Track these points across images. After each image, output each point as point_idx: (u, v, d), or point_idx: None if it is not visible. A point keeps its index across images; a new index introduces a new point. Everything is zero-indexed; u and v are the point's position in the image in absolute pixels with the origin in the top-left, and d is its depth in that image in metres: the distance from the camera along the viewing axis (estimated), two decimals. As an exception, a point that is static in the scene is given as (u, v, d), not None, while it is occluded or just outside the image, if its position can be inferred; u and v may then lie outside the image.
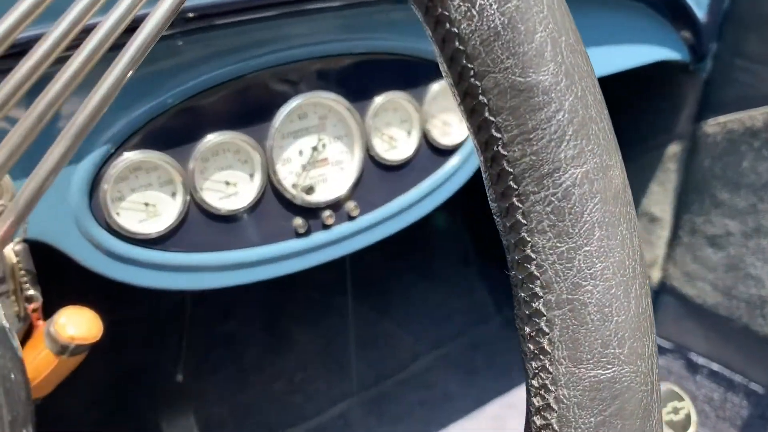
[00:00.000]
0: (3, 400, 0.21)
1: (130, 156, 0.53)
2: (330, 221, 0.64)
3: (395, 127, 0.68)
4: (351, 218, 0.66)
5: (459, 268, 1.34)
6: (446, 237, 1.35)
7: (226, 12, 0.52)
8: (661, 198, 1.09)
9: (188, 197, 0.57)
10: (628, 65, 0.87)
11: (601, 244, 0.21)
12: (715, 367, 1.10)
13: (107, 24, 0.22)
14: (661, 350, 1.17)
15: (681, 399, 0.46)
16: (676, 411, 0.45)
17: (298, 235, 0.64)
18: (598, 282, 0.21)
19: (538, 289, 0.21)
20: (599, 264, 0.21)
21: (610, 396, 0.21)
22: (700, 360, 1.12)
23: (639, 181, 1.10)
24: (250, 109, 0.58)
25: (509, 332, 1.32)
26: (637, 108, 1.07)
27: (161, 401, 1.10)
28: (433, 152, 0.70)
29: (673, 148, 1.05)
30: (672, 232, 1.10)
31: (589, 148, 0.21)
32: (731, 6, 0.93)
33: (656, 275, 1.14)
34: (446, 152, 0.71)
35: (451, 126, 0.70)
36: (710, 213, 1.04)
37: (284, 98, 0.60)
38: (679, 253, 1.10)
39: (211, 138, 0.56)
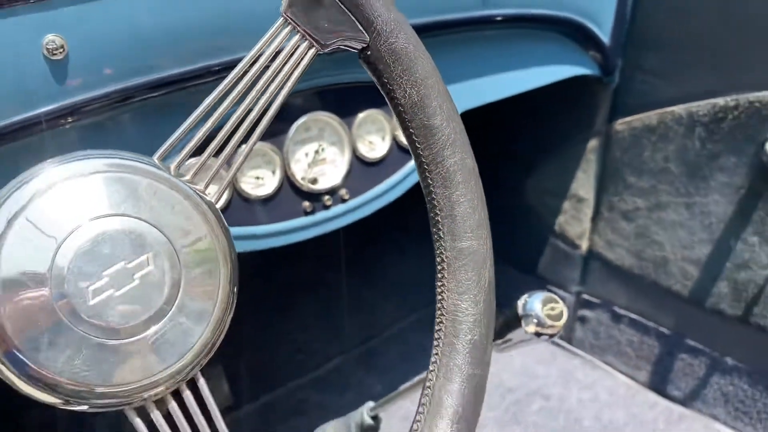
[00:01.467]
0: (230, 271, 0.42)
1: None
2: (329, 203, 0.88)
3: (373, 135, 0.91)
4: (343, 201, 0.90)
5: (428, 245, 1.58)
6: (416, 219, 1.59)
7: None
8: (584, 183, 1.34)
9: (232, 188, 0.80)
10: (552, 80, 1.11)
11: (463, 191, 0.44)
12: (633, 316, 1.35)
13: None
14: (591, 304, 1.42)
15: (557, 301, 0.69)
16: (552, 309, 0.68)
17: (306, 214, 0.87)
18: (462, 201, 0.44)
19: (435, 206, 0.45)
20: (463, 198, 0.44)
21: (469, 254, 0.44)
22: (621, 311, 1.37)
23: (567, 169, 1.35)
24: (274, 125, 0.81)
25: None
26: (564, 112, 1.32)
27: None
28: (401, 152, 0.94)
29: (593, 143, 1.30)
30: (594, 209, 1.34)
31: (458, 149, 0.45)
32: (630, 32, 1.18)
33: (585, 245, 1.38)
34: (409, 152, 0.95)
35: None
36: (622, 193, 1.29)
37: (295, 116, 0.83)
38: (601, 226, 1.35)
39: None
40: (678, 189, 1.20)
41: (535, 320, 0.68)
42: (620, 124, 1.25)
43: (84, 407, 0.37)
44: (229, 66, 0.67)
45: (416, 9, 0.86)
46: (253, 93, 0.43)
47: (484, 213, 0.45)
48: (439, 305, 0.45)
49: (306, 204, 0.86)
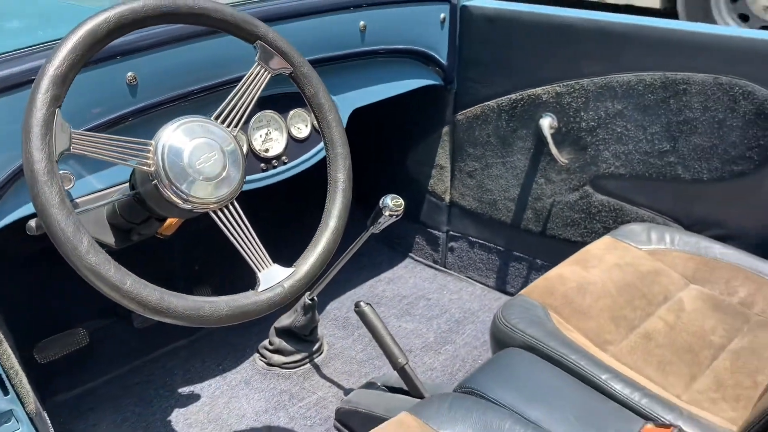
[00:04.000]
0: (243, 161, 0.95)
1: None
2: (276, 164, 1.42)
3: (300, 123, 1.46)
4: (284, 163, 1.44)
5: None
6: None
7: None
8: (443, 156, 1.93)
9: None
10: (411, 88, 1.69)
11: (341, 150, 1.00)
12: (482, 242, 1.95)
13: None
14: (455, 238, 2.01)
15: (398, 198, 1.27)
16: (396, 202, 1.26)
17: (262, 171, 1.41)
18: (340, 152, 1.00)
19: (330, 155, 1.01)
20: (340, 149, 1.00)
21: (344, 171, 1.01)
22: (474, 240, 1.97)
23: (432, 148, 1.93)
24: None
25: (374, 242, 2.12)
26: (426, 110, 1.90)
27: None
28: (317, 133, 1.49)
29: (445, 129, 1.89)
30: (451, 173, 1.94)
31: (338, 127, 1.00)
32: (460, 56, 1.78)
33: (447, 197, 1.97)
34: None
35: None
36: (466, 160, 1.89)
37: (253, 113, 1.37)
38: (456, 183, 1.94)
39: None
40: (497, 153, 1.80)
41: (388, 209, 1.26)
42: (460, 115, 1.85)
43: (199, 211, 0.90)
44: (219, 85, 1.22)
45: (319, 48, 1.42)
46: (246, 91, 0.98)
47: (349, 157, 1.01)
48: (329, 187, 1.01)
49: (262, 165, 1.40)
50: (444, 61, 1.74)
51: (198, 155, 0.88)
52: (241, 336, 1.75)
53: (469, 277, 2.02)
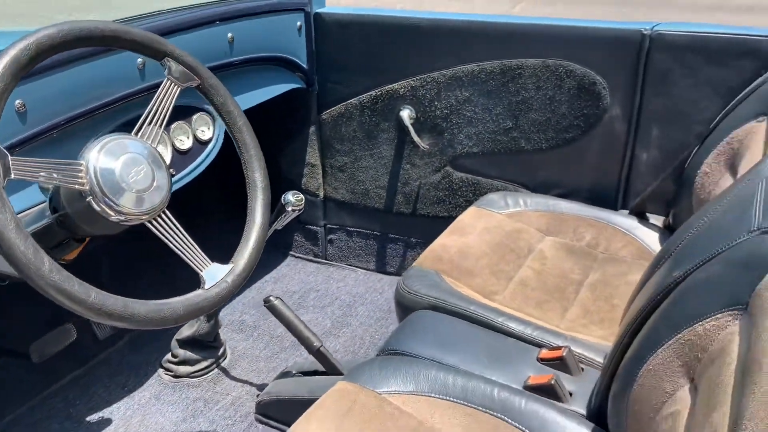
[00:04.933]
0: (167, 169, 0.98)
1: None
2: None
3: (183, 135, 1.48)
4: (172, 176, 1.46)
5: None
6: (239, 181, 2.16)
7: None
8: (313, 154, 2.03)
9: None
10: (279, 92, 1.77)
11: (254, 152, 1.07)
12: (359, 230, 2.08)
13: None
14: (333, 230, 2.12)
15: (299, 193, 1.38)
16: (297, 197, 1.37)
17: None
18: (253, 154, 1.07)
19: (244, 157, 1.07)
20: (253, 150, 1.07)
21: (260, 169, 1.09)
22: (351, 229, 2.10)
23: (302, 147, 2.03)
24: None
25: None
26: (296, 112, 1.99)
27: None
28: (199, 144, 1.53)
29: (312, 128, 1.99)
30: (322, 170, 2.05)
31: (248, 129, 1.07)
32: (318, 61, 1.89)
33: (321, 193, 2.08)
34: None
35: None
36: (335, 156, 2.01)
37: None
38: (328, 179, 2.06)
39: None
40: (364, 146, 1.94)
41: (291, 205, 1.35)
42: (325, 115, 1.96)
43: (131, 222, 0.92)
44: (109, 103, 1.23)
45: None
46: (160, 106, 1.02)
47: (263, 158, 1.08)
48: (249, 187, 1.08)
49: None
50: (305, 65, 1.85)
51: (128, 170, 0.91)
52: (139, 354, 1.73)
53: (351, 265, 2.14)
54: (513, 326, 1.23)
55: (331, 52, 1.87)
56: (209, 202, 2.09)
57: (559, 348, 1.13)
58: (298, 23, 1.78)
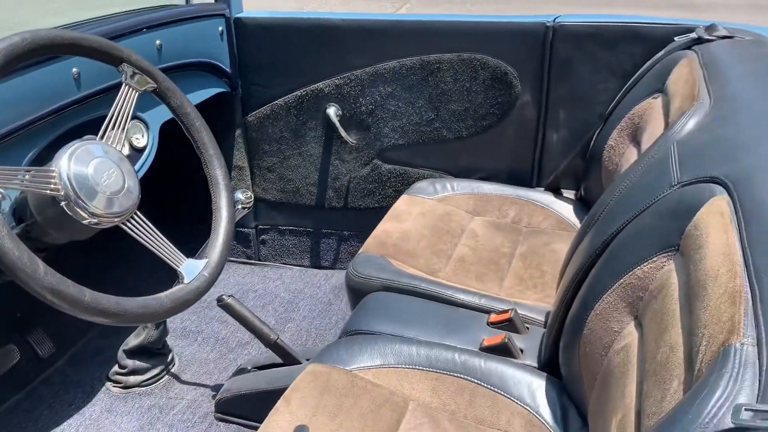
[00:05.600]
0: (131, 168, 0.99)
1: None
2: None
3: (118, 144, 1.47)
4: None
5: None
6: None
7: None
8: (240, 157, 2.05)
9: None
10: (208, 96, 1.78)
11: (213, 151, 1.10)
12: (291, 228, 2.12)
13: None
14: (265, 231, 2.15)
15: (247, 191, 1.41)
16: (246, 195, 1.40)
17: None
18: (212, 153, 1.10)
19: (204, 157, 1.10)
20: (212, 150, 1.10)
21: (220, 167, 1.12)
22: (283, 228, 2.13)
23: (229, 151, 2.04)
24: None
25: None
26: (222, 116, 2.00)
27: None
28: (136, 152, 1.52)
29: (238, 132, 2.01)
30: (250, 171, 2.07)
31: (206, 129, 1.10)
32: (240, 64, 1.92)
33: (251, 194, 2.10)
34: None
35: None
36: (263, 157, 2.04)
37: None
38: (257, 181, 2.08)
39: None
40: (292, 146, 1.99)
41: (241, 203, 1.38)
42: (251, 117, 1.99)
43: (104, 225, 0.93)
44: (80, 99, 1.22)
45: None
46: (120, 111, 1.03)
47: (221, 156, 1.12)
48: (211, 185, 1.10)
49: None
50: (228, 70, 1.86)
51: (100, 174, 0.92)
52: (82, 371, 1.69)
53: (286, 263, 2.18)
54: (461, 297, 1.33)
55: (253, 55, 1.89)
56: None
57: (506, 311, 1.24)
58: (220, 28, 1.80)
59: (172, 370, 1.69)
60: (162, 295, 0.92)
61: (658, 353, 0.70)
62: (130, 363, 1.61)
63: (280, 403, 1.07)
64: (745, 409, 0.43)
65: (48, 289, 0.76)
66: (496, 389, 1.09)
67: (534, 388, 1.09)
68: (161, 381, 1.65)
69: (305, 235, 2.12)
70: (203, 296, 1.00)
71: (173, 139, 1.68)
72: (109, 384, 1.64)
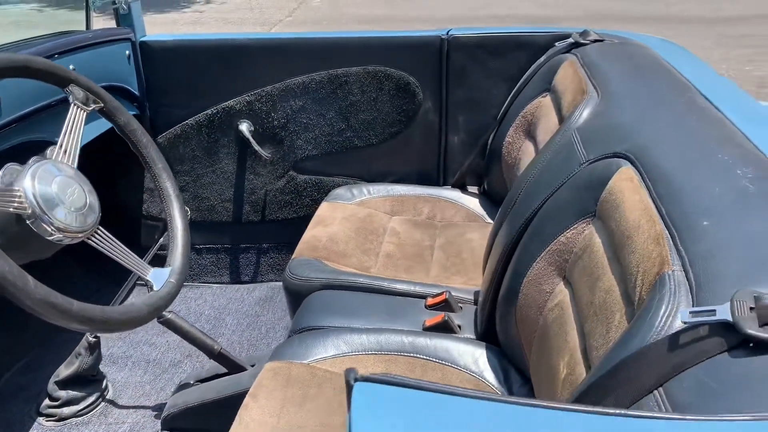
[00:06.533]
0: (95, 193, 1.00)
1: None
2: None
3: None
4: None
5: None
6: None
7: None
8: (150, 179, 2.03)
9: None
10: (115, 122, 1.77)
11: (160, 164, 1.14)
12: (208, 246, 2.13)
13: None
14: (198, 249, 2.14)
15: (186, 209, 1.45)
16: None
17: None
18: (158, 165, 1.13)
19: (152, 171, 1.13)
20: (159, 163, 1.13)
21: (167, 179, 1.15)
22: (200, 247, 2.13)
23: (140, 174, 2.02)
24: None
25: (99, 281, 2.11)
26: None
27: None
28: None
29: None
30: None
31: (153, 145, 1.13)
32: (148, 88, 1.92)
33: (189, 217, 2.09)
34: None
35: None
36: (176, 177, 2.04)
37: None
38: (190, 197, 2.07)
39: None
40: (204, 164, 2.01)
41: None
42: (160, 138, 1.99)
43: (69, 241, 0.94)
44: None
45: (38, 96, 1.43)
46: (71, 131, 1.04)
47: (169, 168, 1.15)
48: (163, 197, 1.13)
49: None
50: (136, 92, 1.86)
51: (64, 191, 0.93)
52: (9, 410, 1.61)
53: (205, 282, 2.18)
54: (398, 286, 1.43)
55: (160, 77, 1.90)
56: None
57: (441, 293, 1.37)
58: (127, 52, 1.80)
59: (108, 397, 1.66)
60: (137, 302, 0.95)
61: (595, 298, 0.85)
62: (63, 394, 1.57)
63: (247, 399, 1.12)
64: (689, 312, 0.57)
65: (40, 302, 0.77)
66: (443, 362, 1.21)
67: (476, 356, 1.21)
68: (97, 409, 1.62)
69: (223, 251, 2.13)
70: (173, 300, 1.04)
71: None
72: (41, 419, 1.58)
